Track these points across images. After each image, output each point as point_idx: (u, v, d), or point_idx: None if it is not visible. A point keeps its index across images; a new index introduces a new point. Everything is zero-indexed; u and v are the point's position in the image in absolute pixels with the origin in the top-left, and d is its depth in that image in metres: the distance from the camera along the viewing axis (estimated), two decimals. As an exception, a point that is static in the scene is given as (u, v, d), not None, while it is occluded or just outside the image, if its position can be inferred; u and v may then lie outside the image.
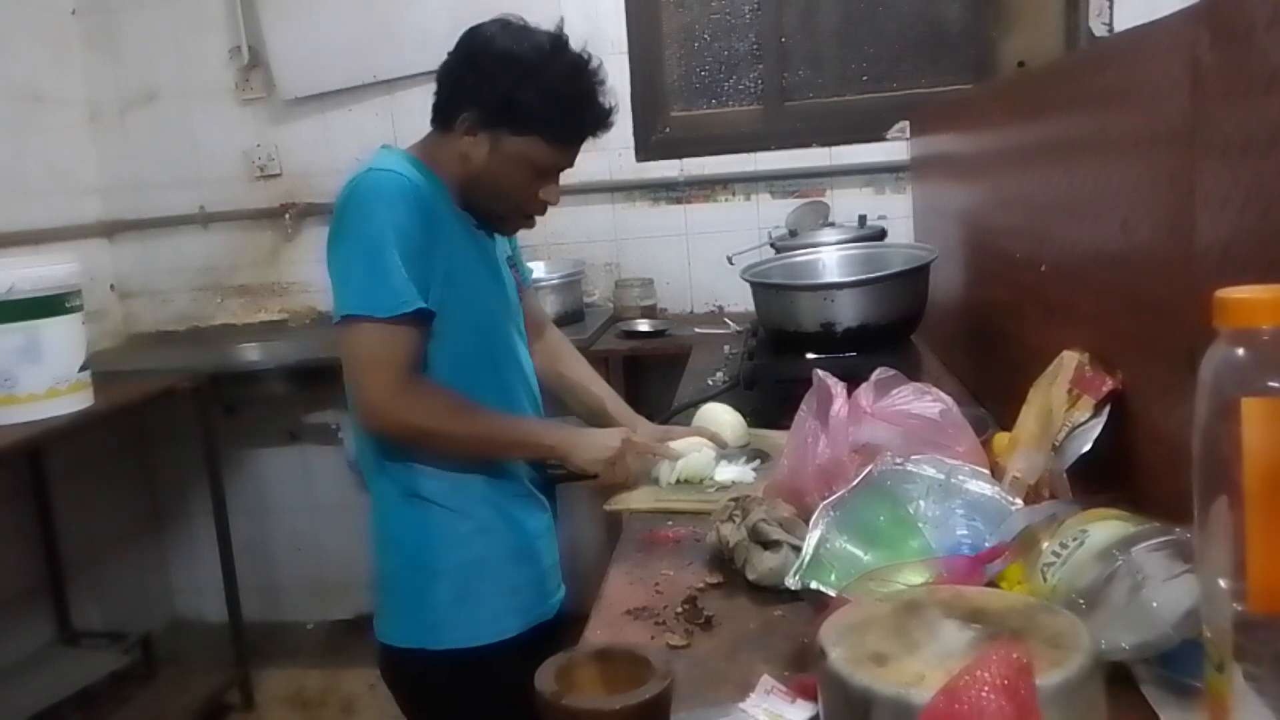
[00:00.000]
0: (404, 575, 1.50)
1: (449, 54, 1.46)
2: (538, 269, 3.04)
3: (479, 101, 1.41)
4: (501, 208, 1.49)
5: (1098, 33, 2.78)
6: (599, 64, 1.45)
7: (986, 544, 0.92)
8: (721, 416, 1.64)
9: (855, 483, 1.03)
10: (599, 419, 1.69)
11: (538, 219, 1.53)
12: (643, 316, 3.02)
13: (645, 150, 3.18)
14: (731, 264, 2.67)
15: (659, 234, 3.20)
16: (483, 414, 1.44)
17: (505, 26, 1.43)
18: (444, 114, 1.46)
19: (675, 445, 1.54)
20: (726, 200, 3.17)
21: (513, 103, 1.39)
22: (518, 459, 1.52)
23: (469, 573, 1.47)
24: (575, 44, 1.43)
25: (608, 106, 1.45)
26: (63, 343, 2.30)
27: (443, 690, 1.50)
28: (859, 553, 0.97)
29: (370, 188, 1.37)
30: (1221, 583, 0.60)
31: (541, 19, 1.46)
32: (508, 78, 1.39)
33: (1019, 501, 1.00)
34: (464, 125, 1.42)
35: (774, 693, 0.84)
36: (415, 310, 1.35)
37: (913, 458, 1.06)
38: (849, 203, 2.96)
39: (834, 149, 3.08)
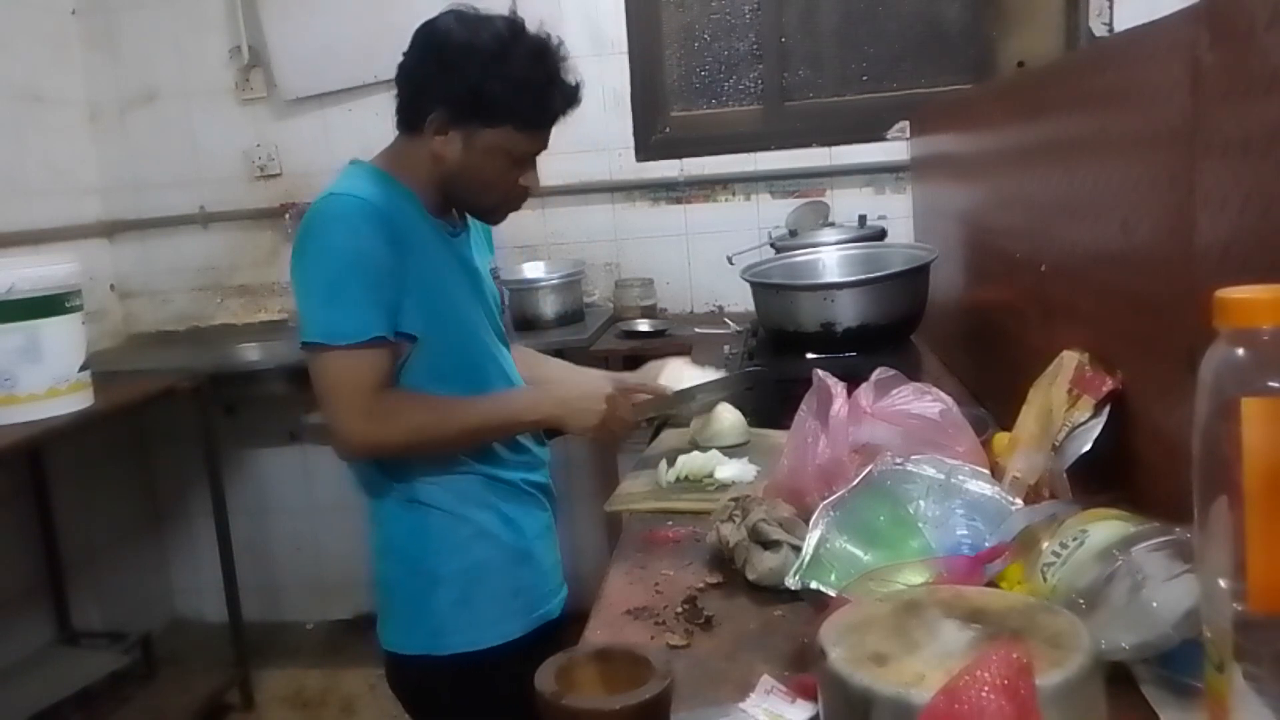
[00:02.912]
0: (405, 581, 1.49)
1: (405, 54, 1.43)
2: (538, 269, 3.05)
3: (446, 98, 1.38)
4: (484, 201, 1.48)
5: (1098, 33, 2.78)
6: (559, 42, 1.42)
7: (986, 544, 0.92)
8: (721, 415, 1.64)
9: (855, 483, 1.03)
10: None
11: (526, 212, 1.53)
12: (643, 316, 3.02)
13: (645, 150, 3.18)
14: (731, 264, 2.67)
15: (659, 234, 3.20)
16: (465, 407, 1.43)
17: (460, 17, 1.39)
18: (410, 116, 1.43)
19: (660, 377, 1.53)
20: (726, 200, 3.17)
21: (481, 95, 1.36)
22: (513, 436, 1.50)
23: (469, 577, 1.47)
24: (531, 25, 1.40)
25: (574, 84, 1.42)
26: (63, 343, 2.30)
27: (447, 695, 1.49)
28: (859, 553, 0.97)
29: (329, 214, 1.36)
30: (1221, 583, 0.60)
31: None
32: (473, 71, 1.35)
33: (1019, 501, 1.00)
34: (434, 125, 1.39)
35: (774, 693, 0.84)
36: (375, 336, 1.34)
37: (913, 458, 1.06)
38: (849, 203, 2.96)
39: (834, 149, 3.08)
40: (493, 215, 1.54)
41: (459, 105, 1.38)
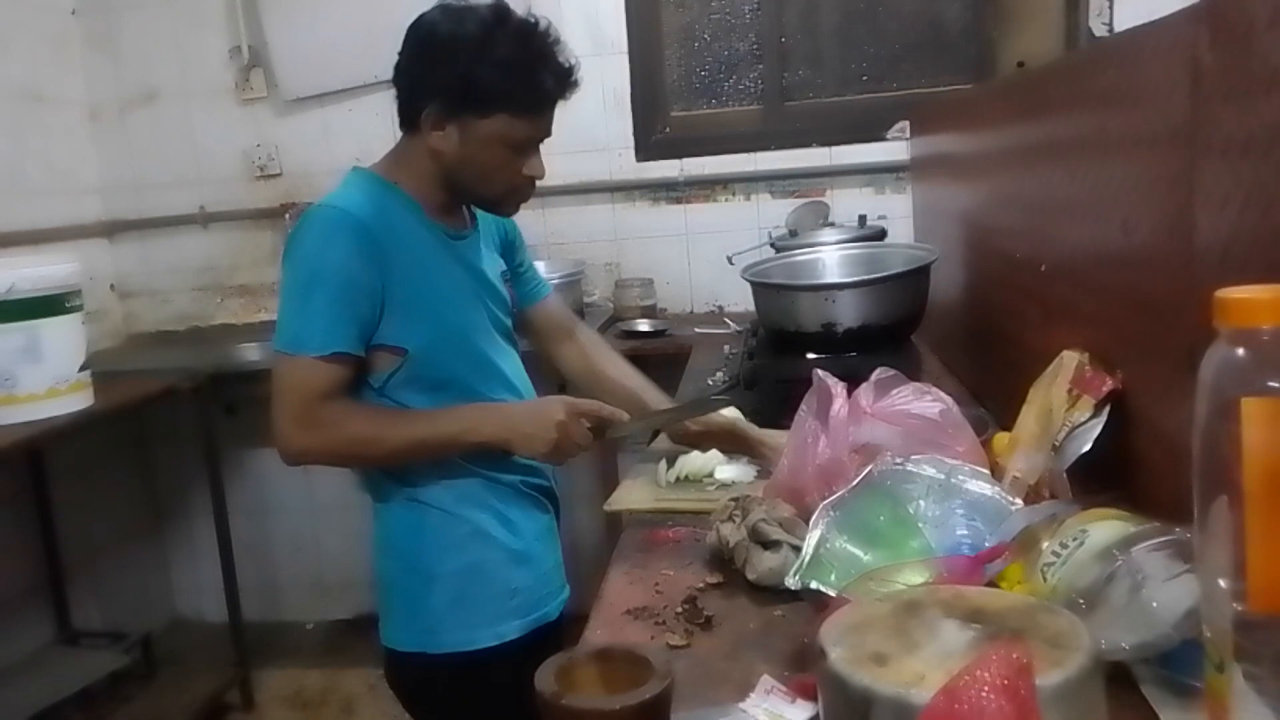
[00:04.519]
0: (402, 579, 1.50)
1: (399, 54, 1.42)
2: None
3: (437, 92, 1.37)
4: (489, 192, 1.47)
5: (1098, 33, 2.78)
6: (548, 24, 1.40)
7: (986, 544, 0.92)
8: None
9: (855, 483, 1.03)
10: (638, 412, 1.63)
11: (526, 211, 1.52)
12: (643, 316, 3.02)
13: (645, 150, 3.18)
14: (731, 264, 2.67)
15: (659, 234, 3.20)
16: (405, 422, 1.41)
17: (445, 10, 1.39)
18: (407, 115, 1.43)
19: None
20: (726, 200, 3.17)
21: (470, 84, 1.35)
22: (460, 454, 1.46)
23: (466, 576, 1.47)
24: (519, 9, 1.39)
25: (567, 65, 1.40)
26: (63, 343, 2.30)
27: (442, 693, 1.50)
28: (859, 553, 0.97)
29: (313, 225, 1.37)
30: (1221, 583, 0.60)
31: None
32: (460, 60, 1.35)
33: (1019, 501, 1.00)
34: (429, 120, 1.39)
35: (774, 693, 0.84)
36: (335, 351, 1.34)
37: (913, 458, 1.06)
38: (849, 203, 2.96)
39: (834, 149, 3.08)
40: (501, 206, 1.52)
41: (450, 97, 1.37)
